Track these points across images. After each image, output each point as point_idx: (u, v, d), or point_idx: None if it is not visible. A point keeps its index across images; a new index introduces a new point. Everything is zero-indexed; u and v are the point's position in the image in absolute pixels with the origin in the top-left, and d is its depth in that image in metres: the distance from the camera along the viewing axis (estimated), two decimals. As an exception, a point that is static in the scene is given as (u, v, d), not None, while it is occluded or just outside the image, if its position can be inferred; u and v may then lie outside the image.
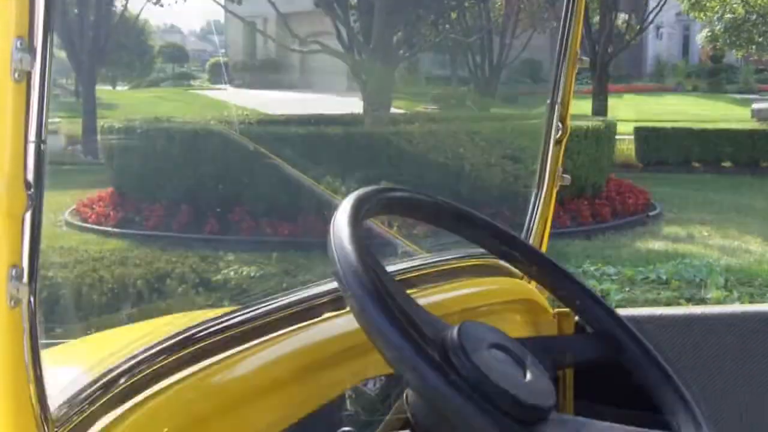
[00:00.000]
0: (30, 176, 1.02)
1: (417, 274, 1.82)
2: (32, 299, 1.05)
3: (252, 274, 7.35)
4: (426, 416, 1.18)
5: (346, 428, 1.17)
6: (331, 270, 1.17)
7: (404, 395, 1.23)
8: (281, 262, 7.79)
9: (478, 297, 1.91)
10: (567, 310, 1.98)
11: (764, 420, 1.85)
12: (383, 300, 1.10)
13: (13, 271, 1.02)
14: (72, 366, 1.56)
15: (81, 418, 1.22)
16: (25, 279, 1.03)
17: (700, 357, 1.90)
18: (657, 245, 9.99)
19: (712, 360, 1.92)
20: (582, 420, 1.20)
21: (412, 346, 1.07)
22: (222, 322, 1.46)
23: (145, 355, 1.34)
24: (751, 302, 6.15)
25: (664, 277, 7.00)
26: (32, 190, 1.02)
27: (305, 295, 1.61)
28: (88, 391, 1.25)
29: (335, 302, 1.58)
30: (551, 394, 1.19)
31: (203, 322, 1.45)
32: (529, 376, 1.19)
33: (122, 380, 1.29)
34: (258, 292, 6.96)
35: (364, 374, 1.57)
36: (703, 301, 6.37)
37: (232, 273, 7.38)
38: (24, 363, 1.07)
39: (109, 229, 9.28)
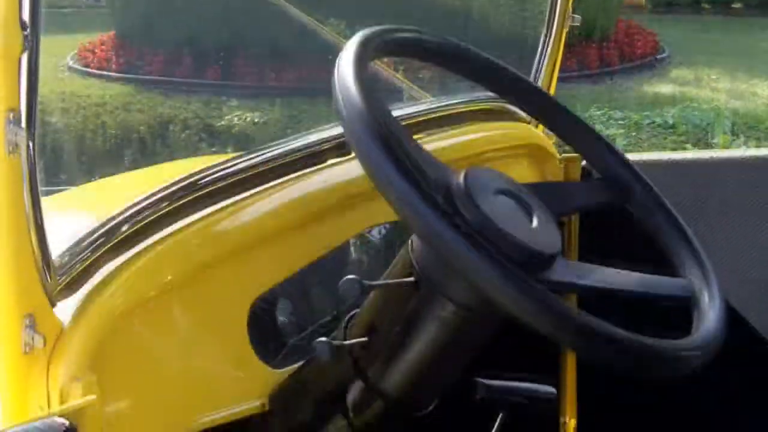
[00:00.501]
0: (25, 16, 0.98)
1: (422, 118, 1.79)
2: (31, 144, 1.02)
3: (256, 120, 7.31)
4: (430, 263, 1.18)
5: (351, 276, 1.16)
6: (335, 112, 1.14)
7: (409, 242, 1.22)
8: (285, 108, 7.73)
9: (485, 142, 1.89)
10: (574, 155, 1.96)
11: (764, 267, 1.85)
12: (388, 143, 1.07)
13: (11, 116, 0.99)
14: (74, 213, 1.56)
15: (83, 265, 1.22)
16: (23, 124, 1.00)
17: (704, 203, 1.89)
18: (664, 89, 9.88)
19: (716, 206, 1.90)
20: (588, 266, 1.19)
21: (417, 192, 1.05)
22: (226, 168, 1.44)
23: (149, 201, 1.33)
24: (757, 146, 6.12)
25: (671, 122, 6.95)
26: (28, 30, 0.98)
27: (310, 140, 1.58)
28: (91, 239, 1.25)
29: (340, 148, 1.56)
30: (557, 240, 1.18)
31: (207, 168, 1.43)
32: (535, 222, 1.18)
33: (125, 227, 1.28)
34: (262, 138, 6.94)
35: (369, 221, 1.56)
36: (709, 146, 6.34)
37: (236, 119, 7.33)
38: (24, 211, 1.05)
39: (112, 74, 9.18)
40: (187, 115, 7.27)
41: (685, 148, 6.27)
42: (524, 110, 1.71)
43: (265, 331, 1.40)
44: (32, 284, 1.11)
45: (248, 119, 7.32)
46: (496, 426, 1.55)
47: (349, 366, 1.25)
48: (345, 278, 1.16)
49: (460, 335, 1.22)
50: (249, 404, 1.34)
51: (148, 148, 6.82)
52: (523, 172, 1.91)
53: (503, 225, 1.13)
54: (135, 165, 6.47)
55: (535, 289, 1.03)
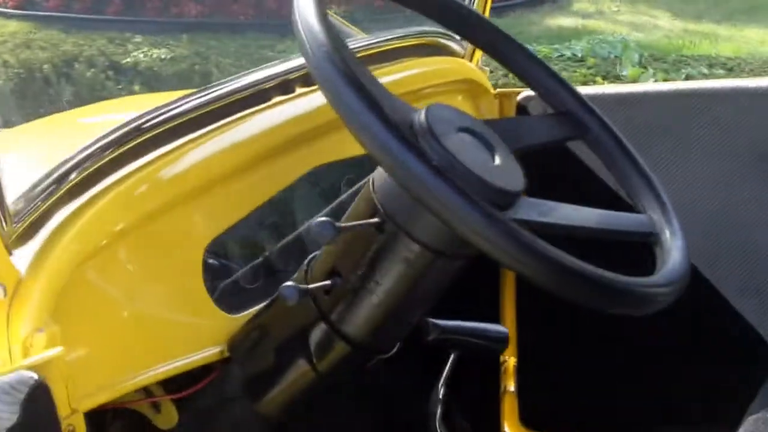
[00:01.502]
0: None
1: (359, 55, 1.77)
2: None
3: (162, 57, 7.14)
4: (395, 203, 1.17)
5: (323, 218, 1.15)
6: (299, 49, 1.12)
7: (370, 182, 1.21)
8: (191, 44, 7.56)
9: (421, 78, 1.87)
10: (509, 90, 1.96)
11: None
12: (356, 81, 1.06)
13: None
14: (15, 157, 1.51)
15: (36, 214, 1.18)
16: None
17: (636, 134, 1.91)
18: (567, 22, 9.95)
19: (645, 137, 1.93)
20: (550, 203, 1.20)
21: (386, 126, 1.04)
22: (170, 111, 1.41)
23: (95, 147, 1.29)
24: (665, 79, 6.22)
25: (580, 55, 7.01)
26: None
27: (252, 79, 1.55)
28: (41, 186, 1.21)
29: (284, 86, 1.54)
30: (521, 178, 1.18)
31: (151, 111, 1.39)
32: (498, 159, 1.18)
33: (73, 174, 1.25)
34: (170, 75, 6.80)
35: (318, 159, 1.54)
36: (618, 78, 6.41)
37: (141, 56, 7.16)
38: None
39: (9, 10, 8.86)
40: (91, 52, 7.06)
41: (595, 81, 6.34)
42: (474, 45, 1.70)
43: (220, 277, 1.39)
44: None
45: (154, 56, 7.15)
46: (447, 367, 1.57)
47: (312, 310, 1.25)
48: (317, 221, 1.15)
49: (425, 277, 1.22)
50: (208, 351, 1.33)
51: (54, 87, 6.62)
52: (458, 108, 1.90)
53: (468, 163, 1.12)
54: (41, 104, 6.27)
55: (506, 223, 1.02)
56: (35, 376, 1.03)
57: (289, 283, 1.22)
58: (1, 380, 1.01)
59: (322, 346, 1.27)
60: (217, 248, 1.40)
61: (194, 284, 1.33)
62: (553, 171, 1.58)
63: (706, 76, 6.40)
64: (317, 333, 1.27)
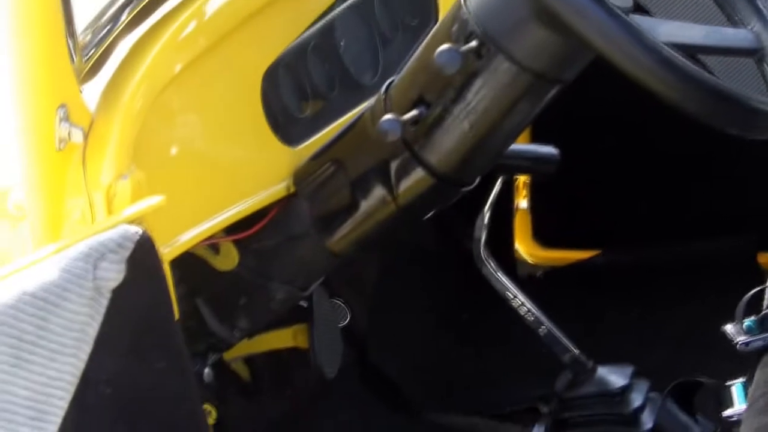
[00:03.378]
0: None
1: None
2: None
3: None
4: (496, 20, 1.07)
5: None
6: None
7: (461, 1, 1.10)
8: None
9: None
10: None
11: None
12: None
13: None
14: None
15: (100, 49, 1.05)
16: None
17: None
18: None
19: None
20: (654, 20, 1.12)
21: None
22: None
23: None
24: None
25: None
26: None
27: None
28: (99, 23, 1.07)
29: None
30: None
31: None
32: None
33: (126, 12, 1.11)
34: None
35: None
36: None
37: None
38: None
39: None
40: None
41: None
42: None
43: (277, 109, 1.27)
44: (62, 68, 0.94)
45: None
46: (493, 191, 1.53)
47: (396, 140, 1.15)
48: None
49: (521, 102, 1.13)
50: (274, 188, 1.23)
51: None
52: None
53: None
54: None
55: (656, 45, 0.95)
56: (140, 230, 0.92)
57: (389, 116, 1.11)
58: (105, 237, 0.90)
59: (405, 178, 1.19)
60: (271, 77, 1.27)
61: (255, 117, 1.22)
62: None
63: None
64: (400, 164, 1.18)
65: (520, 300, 1.52)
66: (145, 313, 0.95)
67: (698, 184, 1.89)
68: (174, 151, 1.12)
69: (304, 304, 1.38)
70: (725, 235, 1.90)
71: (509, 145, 1.26)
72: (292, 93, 1.30)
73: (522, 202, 1.98)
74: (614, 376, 1.52)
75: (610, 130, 1.89)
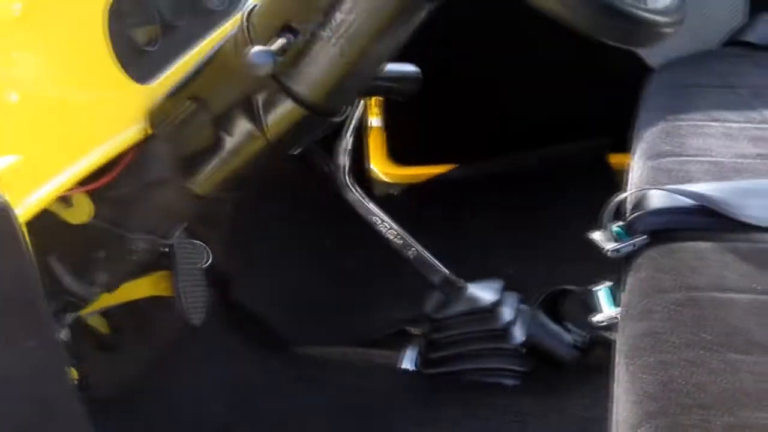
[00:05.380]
0: None
1: None
2: None
3: None
4: None
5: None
6: None
7: None
8: None
9: None
10: None
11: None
12: None
13: None
14: None
15: None
16: None
17: None
18: None
19: None
20: None
21: None
22: None
23: None
24: None
25: None
26: None
27: None
28: None
29: None
30: None
31: None
32: None
33: None
34: None
35: None
36: None
37: None
38: None
39: None
40: None
41: None
42: None
43: (125, 43, 1.16)
44: None
45: None
46: (354, 116, 1.48)
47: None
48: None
49: (393, 25, 1.07)
50: (129, 131, 1.14)
51: None
52: None
53: None
54: None
55: None
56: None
57: (258, 48, 1.03)
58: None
59: (273, 111, 1.11)
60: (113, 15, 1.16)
61: (102, 54, 1.11)
62: None
63: None
64: (267, 97, 1.10)
65: (387, 224, 1.48)
66: (8, 289, 0.86)
67: (548, 93, 1.89)
68: (14, 98, 1.01)
69: (164, 249, 1.30)
70: (578, 140, 1.91)
71: (381, 70, 1.20)
72: (139, 25, 1.20)
73: (374, 121, 1.93)
74: (484, 293, 1.51)
75: (461, 46, 1.86)
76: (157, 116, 1.16)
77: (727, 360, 0.91)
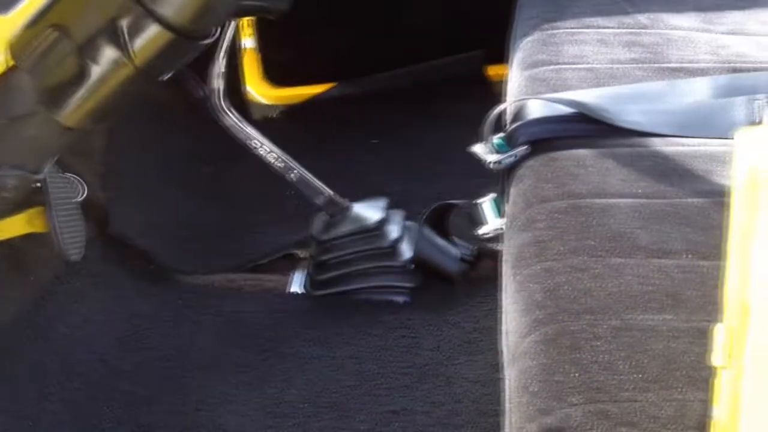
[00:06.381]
0: None
1: None
2: None
3: None
4: None
5: None
6: None
7: None
8: None
9: None
10: None
11: None
12: None
13: None
14: None
15: None
16: None
17: None
18: None
19: None
20: None
21: None
22: None
23: None
24: None
25: None
26: None
27: None
28: None
29: None
30: None
31: None
32: None
33: None
34: None
35: None
36: None
37: None
38: None
39: None
40: None
41: None
42: None
43: None
44: None
45: None
46: (225, 36, 1.43)
47: None
48: None
49: None
50: None
51: None
52: None
53: None
54: None
55: None
56: None
57: None
58: None
59: (139, 36, 1.06)
60: None
61: None
62: None
63: None
64: (131, 21, 1.05)
65: (267, 148, 1.45)
66: None
67: (423, 6, 1.87)
68: None
69: (36, 185, 1.25)
70: (455, 53, 1.90)
71: None
72: None
73: (247, 42, 1.89)
74: (369, 211, 1.50)
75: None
76: (18, 47, 1.10)
77: (611, 264, 0.92)
